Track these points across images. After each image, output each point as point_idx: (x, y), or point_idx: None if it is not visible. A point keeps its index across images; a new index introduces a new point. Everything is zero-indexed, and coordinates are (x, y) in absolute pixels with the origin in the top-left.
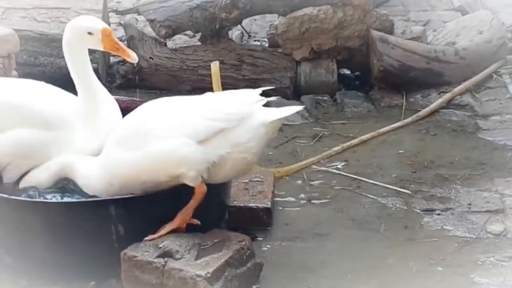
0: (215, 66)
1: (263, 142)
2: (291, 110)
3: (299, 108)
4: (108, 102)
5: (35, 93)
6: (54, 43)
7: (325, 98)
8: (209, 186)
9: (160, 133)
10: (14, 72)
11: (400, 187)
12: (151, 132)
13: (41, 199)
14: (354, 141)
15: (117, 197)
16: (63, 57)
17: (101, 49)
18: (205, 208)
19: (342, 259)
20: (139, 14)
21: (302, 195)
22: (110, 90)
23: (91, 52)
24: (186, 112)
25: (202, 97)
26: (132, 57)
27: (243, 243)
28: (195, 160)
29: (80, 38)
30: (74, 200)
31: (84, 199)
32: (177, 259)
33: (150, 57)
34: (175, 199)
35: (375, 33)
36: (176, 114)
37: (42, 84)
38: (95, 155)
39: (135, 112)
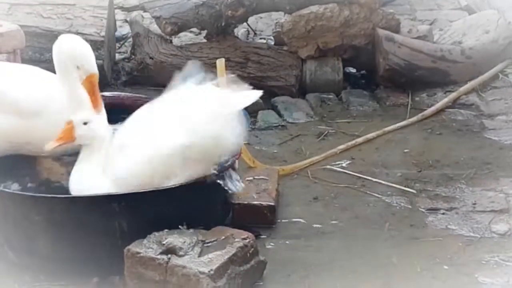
0: (220, 63)
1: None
2: (252, 96)
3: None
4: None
5: (16, 78)
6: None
7: (331, 96)
8: (213, 183)
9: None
10: None
11: (405, 186)
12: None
13: (45, 194)
14: (359, 140)
15: (121, 193)
16: None
17: (78, 82)
18: (209, 205)
19: (346, 258)
20: (145, 11)
21: (307, 193)
22: (116, 87)
23: (96, 49)
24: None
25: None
26: (99, 110)
27: (247, 240)
28: None
29: (68, 61)
30: (78, 195)
31: (88, 195)
32: (180, 256)
33: (150, 57)
34: (179, 195)
35: (381, 32)
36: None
37: (29, 69)
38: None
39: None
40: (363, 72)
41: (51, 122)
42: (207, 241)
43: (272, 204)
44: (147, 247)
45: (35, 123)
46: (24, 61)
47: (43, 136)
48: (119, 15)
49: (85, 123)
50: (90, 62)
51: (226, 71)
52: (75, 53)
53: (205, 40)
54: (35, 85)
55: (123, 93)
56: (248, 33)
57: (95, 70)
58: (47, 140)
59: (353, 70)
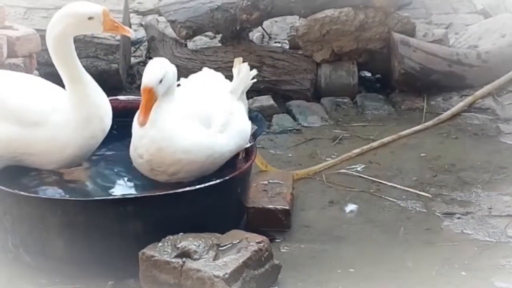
0: (238, 61)
1: None
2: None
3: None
4: (98, 94)
5: (19, 87)
6: (75, 43)
7: (346, 100)
8: (228, 186)
9: None
10: (35, 72)
11: (420, 190)
12: None
13: (60, 197)
14: (374, 144)
15: (136, 195)
16: (84, 57)
17: (100, 31)
18: (223, 209)
19: (361, 262)
20: (160, 15)
21: (321, 198)
22: (131, 91)
23: (111, 52)
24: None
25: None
26: (131, 32)
27: (262, 244)
28: None
29: (79, 24)
30: (93, 198)
31: (102, 197)
32: (195, 260)
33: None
34: (194, 198)
35: (397, 36)
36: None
37: (34, 79)
38: (84, 152)
39: None
40: (378, 76)
41: (52, 133)
42: (222, 244)
43: (287, 208)
44: (162, 251)
45: (35, 133)
46: (40, 64)
47: (44, 148)
48: (134, 19)
49: (160, 81)
50: (92, 4)
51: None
52: (78, 10)
53: (220, 44)
54: (38, 95)
55: (138, 97)
56: (263, 37)
57: (102, 6)
58: (48, 153)
59: (368, 74)
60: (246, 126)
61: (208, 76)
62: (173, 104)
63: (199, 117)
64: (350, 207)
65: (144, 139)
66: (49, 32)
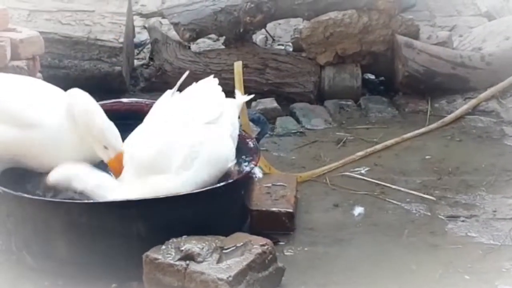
0: (238, 66)
1: None
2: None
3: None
4: None
5: (17, 89)
6: (78, 45)
7: (349, 103)
8: (231, 189)
9: None
10: (39, 74)
11: (424, 193)
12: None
13: (63, 199)
14: (378, 147)
15: (139, 198)
16: (87, 59)
17: (104, 160)
18: (227, 212)
19: (365, 265)
20: (163, 17)
21: (325, 200)
22: (134, 93)
23: (115, 55)
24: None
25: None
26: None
27: (265, 247)
28: None
29: (94, 141)
30: (96, 201)
31: (106, 200)
32: (199, 262)
33: (169, 63)
34: (198, 201)
35: (400, 38)
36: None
37: (33, 81)
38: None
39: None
40: (382, 78)
41: (49, 136)
42: (225, 247)
43: (291, 210)
44: (166, 253)
45: (32, 135)
46: (43, 67)
47: (41, 150)
48: (138, 21)
49: None
50: (118, 140)
51: (243, 74)
52: (103, 133)
53: (223, 47)
54: (35, 97)
55: (141, 99)
56: (267, 40)
57: (121, 147)
58: (45, 155)
59: (372, 77)
60: (219, 153)
61: (198, 93)
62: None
63: (152, 168)
64: (358, 210)
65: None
66: (79, 110)
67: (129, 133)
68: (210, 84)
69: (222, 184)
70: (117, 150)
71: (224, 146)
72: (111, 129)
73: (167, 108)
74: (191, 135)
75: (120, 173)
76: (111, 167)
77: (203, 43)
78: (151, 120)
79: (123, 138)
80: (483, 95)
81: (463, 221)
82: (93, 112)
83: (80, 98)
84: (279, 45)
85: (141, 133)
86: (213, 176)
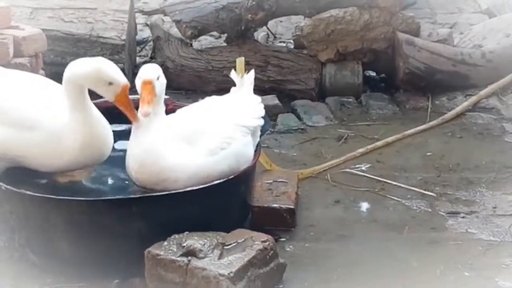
0: (240, 61)
1: None
2: None
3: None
4: (98, 125)
5: (15, 88)
6: (80, 43)
7: (350, 100)
8: (233, 185)
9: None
10: (41, 72)
11: (424, 190)
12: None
13: (65, 197)
14: (379, 143)
15: (140, 195)
16: (89, 57)
17: (111, 100)
18: (228, 208)
19: (366, 261)
20: (165, 14)
21: (326, 197)
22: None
23: (117, 52)
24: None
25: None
26: (135, 118)
27: (267, 243)
28: None
29: (97, 82)
30: (98, 198)
31: (107, 197)
32: (200, 258)
33: (171, 61)
34: (199, 197)
35: (401, 35)
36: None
37: (34, 78)
38: (84, 162)
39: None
40: (382, 75)
41: (50, 137)
42: (227, 243)
43: (292, 207)
44: (168, 249)
45: (33, 137)
46: (46, 64)
47: (38, 151)
48: (140, 18)
49: (158, 78)
50: (121, 74)
51: (245, 70)
52: (106, 71)
53: (225, 44)
54: (36, 96)
55: None
56: (268, 37)
57: (126, 80)
58: (43, 155)
59: (373, 74)
60: (244, 153)
61: (238, 100)
62: (162, 123)
63: (187, 138)
64: (359, 206)
65: (131, 159)
66: (72, 70)
67: (131, 129)
68: (257, 99)
69: (222, 180)
70: (122, 82)
71: (249, 149)
72: (109, 64)
73: (217, 102)
74: (229, 130)
75: (128, 107)
76: (119, 104)
77: (205, 41)
78: (200, 105)
79: (126, 135)
80: (484, 92)
81: (463, 217)
82: (85, 61)
83: (70, 65)
84: (280, 42)
85: (186, 111)
86: (232, 169)
